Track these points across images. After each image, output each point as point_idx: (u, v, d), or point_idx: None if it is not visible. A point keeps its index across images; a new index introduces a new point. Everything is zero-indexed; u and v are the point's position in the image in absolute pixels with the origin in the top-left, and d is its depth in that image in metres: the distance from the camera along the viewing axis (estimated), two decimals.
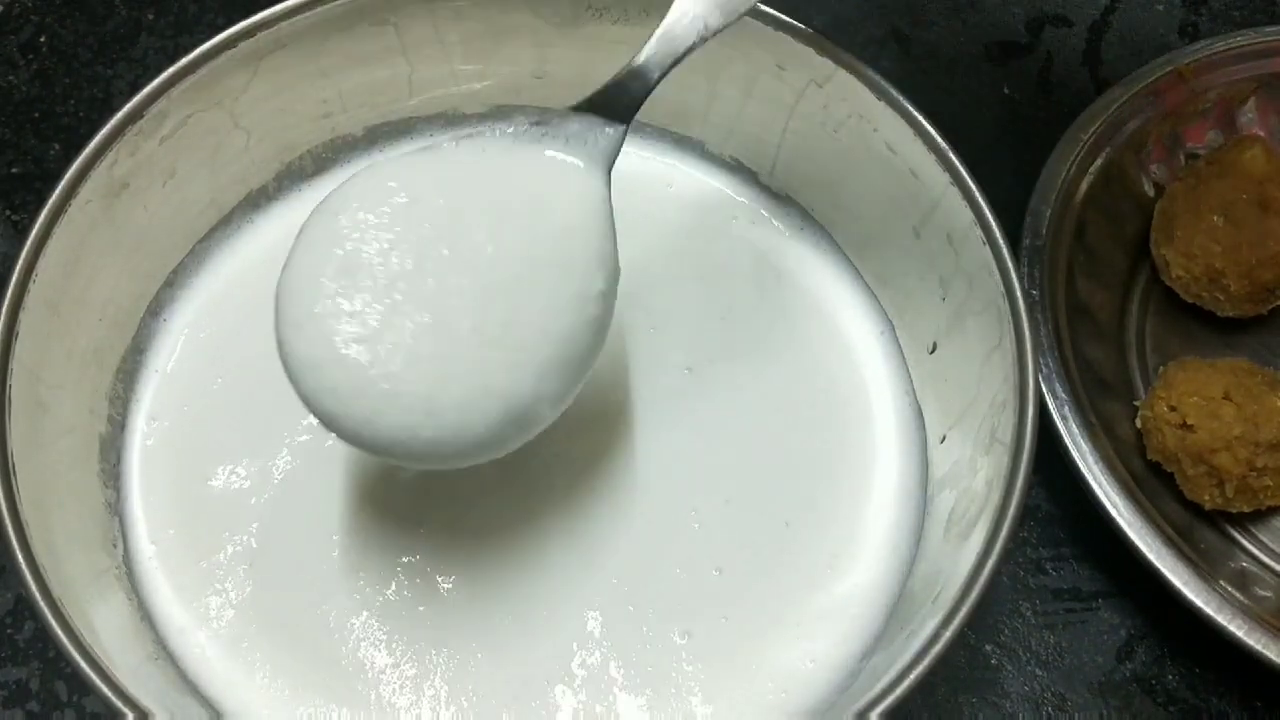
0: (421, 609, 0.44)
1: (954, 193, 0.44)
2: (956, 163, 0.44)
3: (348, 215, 0.36)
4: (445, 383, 0.35)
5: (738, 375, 0.48)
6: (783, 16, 0.46)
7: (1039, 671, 0.49)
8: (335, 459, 0.46)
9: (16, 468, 0.40)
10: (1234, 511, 0.49)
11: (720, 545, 0.45)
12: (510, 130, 0.38)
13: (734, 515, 0.46)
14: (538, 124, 0.39)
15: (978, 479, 0.42)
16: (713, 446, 0.47)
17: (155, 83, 0.45)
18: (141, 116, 0.45)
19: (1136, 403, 0.52)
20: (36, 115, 0.59)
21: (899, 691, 0.37)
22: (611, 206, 0.39)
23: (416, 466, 0.44)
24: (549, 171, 0.38)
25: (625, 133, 0.39)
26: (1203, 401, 0.48)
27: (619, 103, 0.39)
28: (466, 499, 0.46)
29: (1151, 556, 0.46)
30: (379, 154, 0.52)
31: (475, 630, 0.43)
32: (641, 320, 0.49)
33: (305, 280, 0.36)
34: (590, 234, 0.38)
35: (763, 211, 0.52)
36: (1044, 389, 0.49)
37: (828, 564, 0.45)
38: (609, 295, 0.38)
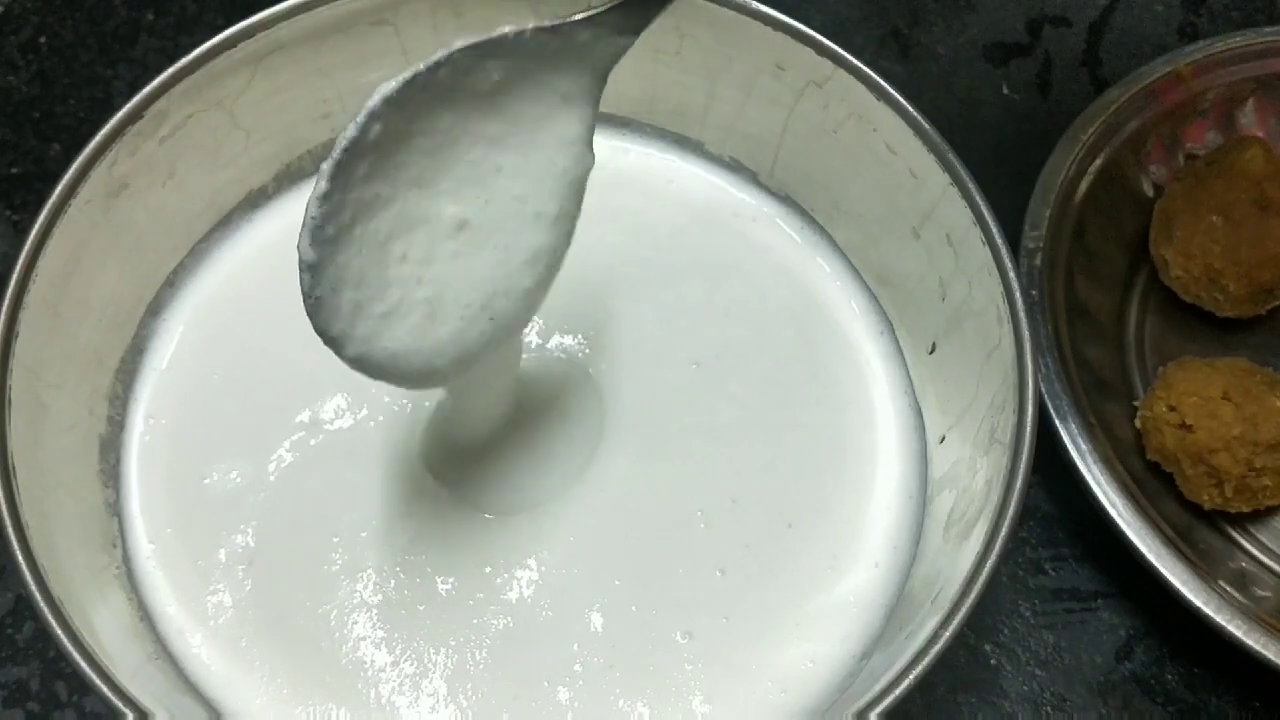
0: (421, 608, 0.44)
1: (954, 193, 0.44)
2: (956, 163, 0.44)
3: (361, 169, 0.35)
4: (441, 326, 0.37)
5: (742, 372, 0.48)
6: (783, 17, 0.46)
7: (1038, 671, 0.49)
8: (333, 457, 0.46)
9: (16, 468, 0.40)
10: (1233, 511, 0.49)
11: (724, 546, 0.45)
12: (518, 37, 0.36)
13: (739, 516, 0.46)
14: (548, 30, 0.37)
15: (977, 479, 0.42)
16: (720, 445, 0.47)
17: (155, 83, 0.45)
18: (141, 116, 0.44)
19: (1136, 403, 0.52)
20: (36, 115, 0.59)
21: (898, 691, 0.37)
22: (594, 129, 0.39)
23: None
24: (546, 99, 0.37)
25: (633, 43, 0.38)
26: (1202, 401, 0.48)
27: (635, 13, 0.38)
28: (467, 496, 0.46)
29: (1150, 557, 0.46)
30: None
31: (475, 629, 0.43)
32: (649, 314, 0.49)
33: (339, 247, 0.35)
34: (572, 161, 0.38)
35: (764, 210, 0.52)
36: (1043, 389, 0.49)
37: (829, 564, 0.45)
38: (575, 213, 0.39)
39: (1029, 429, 0.40)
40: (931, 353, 0.48)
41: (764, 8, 0.46)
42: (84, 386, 0.46)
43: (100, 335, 0.46)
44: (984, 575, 0.38)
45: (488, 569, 0.44)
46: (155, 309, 0.49)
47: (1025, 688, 0.49)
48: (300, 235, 0.34)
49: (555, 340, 0.49)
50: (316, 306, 0.35)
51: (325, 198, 0.34)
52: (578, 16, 0.37)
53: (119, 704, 0.37)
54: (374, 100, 0.34)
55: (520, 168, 0.37)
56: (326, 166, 0.34)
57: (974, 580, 0.38)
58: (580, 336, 0.49)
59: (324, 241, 0.34)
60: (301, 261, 0.34)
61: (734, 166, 0.53)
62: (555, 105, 0.38)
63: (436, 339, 0.37)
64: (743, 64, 0.48)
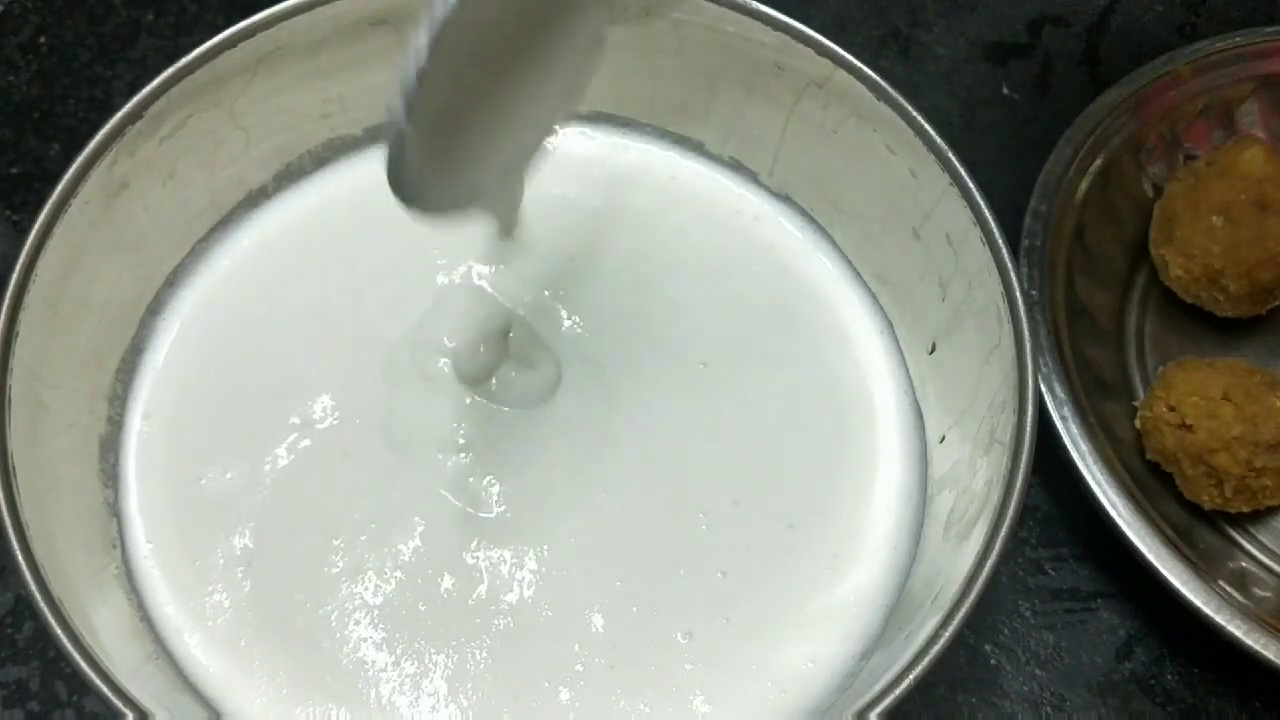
0: (422, 608, 0.44)
1: (954, 193, 0.44)
2: (956, 163, 0.44)
3: (453, 49, 0.34)
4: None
5: (746, 371, 0.48)
6: (783, 17, 0.46)
7: (1038, 671, 0.49)
8: (333, 455, 0.46)
9: (16, 467, 0.40)
10: (1233, 512, 0.49)
11: (725, 547, 0.45)
12: None
13: (741, 517, 0.46)
14: None
15: (977, 479, 0.42)
16: (724, 445, 0.47)
17: (155, 83, 0.45)
18: (141, 116, 0.44)
19: (1136, 403, 0.52)
20: (36, 115, 0.59)
21: (898, 691, 0.37)
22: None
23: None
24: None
25: None
26: (1202, 402, 0.48)
27: None
28: (467, 496, 0.46)
29: (1151, 557, 0.46)
30: (379, 153, 0.52)
31: (475, 630, 0.43)
32: (658, 311, 0.49)
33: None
34: (591, 60, 0.39)
35: (765, 208, 0.52)
36: (1043, 389, 0.49)
37: (829, 565, 0.45)
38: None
39: (1029, 429, 0.40)
40: (931, 352, 0.48)
41: (764, 8, 0.46)
42: (84, 386, 0.46)
43: (100, 335, 0.46)
44: (984, 575, 0.38)
45: (488, 569, 0.44)
46: (155, 308, 0.49)
47: (1025, 688, 0.49)
48: (394, 100, 0.33)
49: (566, 327, 0.49)
50: (401, 170, 0.35)
51: (422, 74, 0.33)
52: None
53: (119, 704, 0.37)
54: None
55: (558, 56, 0.37)
56: (424, 38, 0.33)
57: (974, 580, 0.38)
58: (591, 334, 0.49)
59: (415, 113, 0.34)
60: (392, 127, 0.34)
61: (734, 166, 0.53)
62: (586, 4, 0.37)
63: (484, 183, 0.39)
64: (743, 64, 0.48)
